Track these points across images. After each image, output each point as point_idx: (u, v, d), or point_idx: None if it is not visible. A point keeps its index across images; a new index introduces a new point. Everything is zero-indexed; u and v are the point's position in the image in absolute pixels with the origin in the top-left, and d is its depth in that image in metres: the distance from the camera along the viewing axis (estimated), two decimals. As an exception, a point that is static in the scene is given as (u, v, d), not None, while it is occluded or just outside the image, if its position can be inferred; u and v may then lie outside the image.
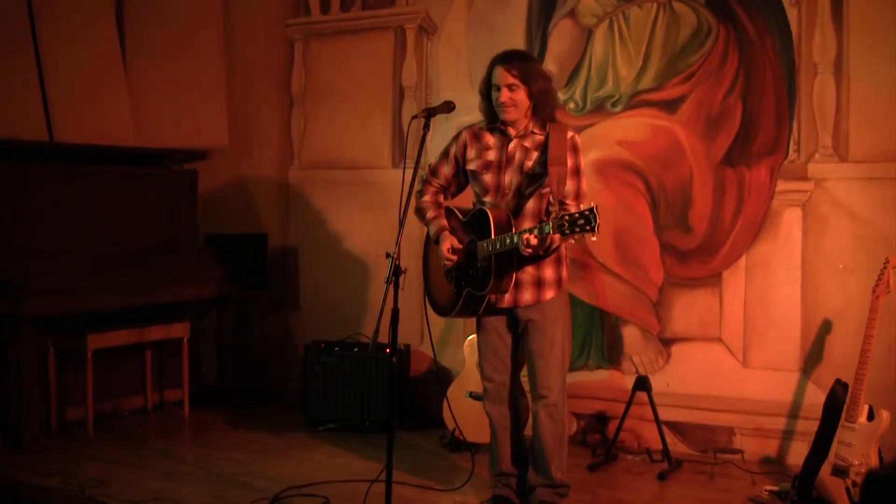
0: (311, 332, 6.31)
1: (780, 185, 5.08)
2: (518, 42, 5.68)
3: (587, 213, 3.57)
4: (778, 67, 5.07)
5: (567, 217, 3.62)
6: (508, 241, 3.87)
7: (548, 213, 4.04)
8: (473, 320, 5.35)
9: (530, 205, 4.07)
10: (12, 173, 5.50)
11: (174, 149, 6.45)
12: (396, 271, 3.80)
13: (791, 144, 5.05)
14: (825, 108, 4.97)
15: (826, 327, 4.97)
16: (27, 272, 5.26)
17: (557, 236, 3.70)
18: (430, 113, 4.03)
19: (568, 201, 4.04)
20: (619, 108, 5.44)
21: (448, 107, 4.12)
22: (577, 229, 3.58)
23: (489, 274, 3.97)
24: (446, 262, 4.16)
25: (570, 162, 4.02)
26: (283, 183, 6.64)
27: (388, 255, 3.84)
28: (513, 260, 3.99)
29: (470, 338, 5.32)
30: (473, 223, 4.12)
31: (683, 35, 5.28)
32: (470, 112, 5.79)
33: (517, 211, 4.07)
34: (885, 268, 4.31)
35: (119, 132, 6.21)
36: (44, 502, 4.45)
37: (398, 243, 3.82)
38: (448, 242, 4.14)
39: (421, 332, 6.04)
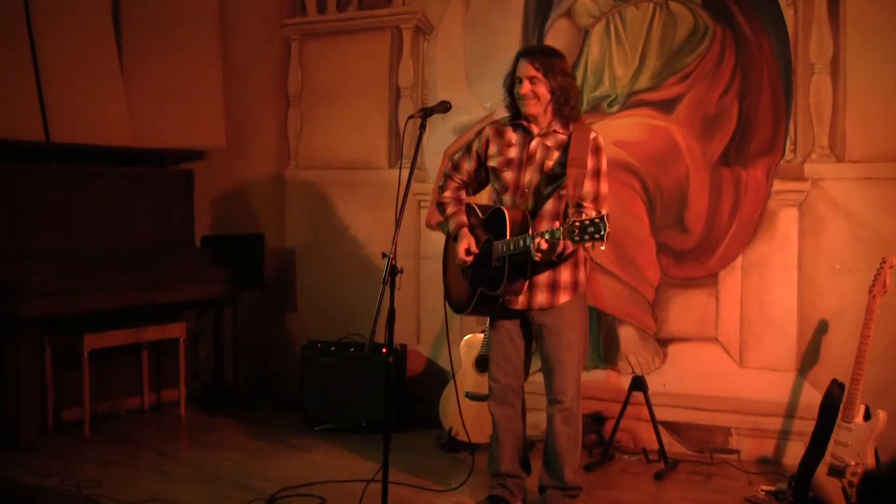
0: (307, 333, 6.31)
1: (777, 185, 5.08)
2: (514, 42, 5.67)
3: (597, 220, 3.52)
4: (775, 67, 5.07)
5: (578, 223, 3.56)
6: (522, 242, 3.84)
7: (566, 215, 3.95)
8: (472, 321, 5.36)
9: (549, 206, 4.03)
10: (8, 174, 5.50)
11: (171, 149, 6.45)
12: (393, 271, 3.80)
13: (788, 144, 5.05)
14: (822, 107, 4.97)
15: (823, 327, 4.97)
16: (23, 273, 5.25)
17: (569, 242, 3.67)
18: (426, 113, 4.02)
19: (586, 203, 3.97)
20: (615, 109, 5.44)
21: (444, 107, 4.11)
22: (587, 237, 3.53)
23: (502, 274, 3.96)
24: (463, 262, 4.15)
25: (590, 163, 3.98)
26: (279, 183, 6.63)
27: (384, 255, 3.83)
28: (527, 262, 3.96)
29: (466, 337, 5.32)
30: (491, 222, 4.10)
31: (680, 35, 5.28)
32: (466, 112, 5.83)
33: (535, 211, 4.04)
34: (881, 268, 4.32)
35: (115, 133, 6.21)
36: (41, 503, 4.44)
37: (395, 243, 3.82)
38: (465, 241, 4.13)
39: (417, 332, 6.04)
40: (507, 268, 3.94)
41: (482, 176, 4.29)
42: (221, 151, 6.73)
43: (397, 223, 3.85)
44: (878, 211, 4.84)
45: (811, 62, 4.99)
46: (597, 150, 4.02)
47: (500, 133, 4.20)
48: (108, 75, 6.28)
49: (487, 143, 4.21)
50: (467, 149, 4.30)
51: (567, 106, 4.06)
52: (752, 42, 5.12)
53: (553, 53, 4.15)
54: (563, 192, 3.98)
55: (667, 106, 5.31)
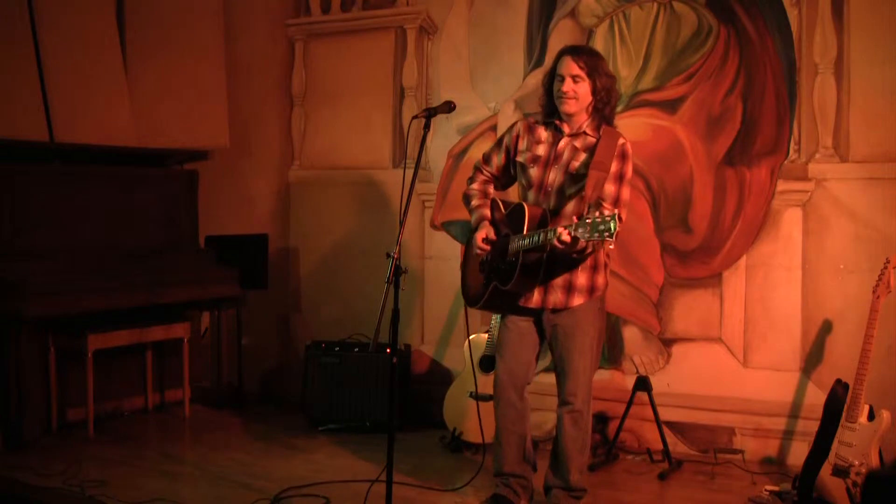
0: (311, 333, 6.31)
1: (781, 186, 5.08)
2: (518, 42, 5.68)
3: (608, 218, 3.52)
4: (778, 67, 5.07)
5: (589, 220, 3.56)
6: (540, 237, 3.82)
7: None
8: (475, 320, 5.33)
9: (570, 206, 4.02)
10: (12, 173, 5.50)
11: (174, 149, 6.45)
12: (397, 271, 3.80)
13: (791, 144, 5.05)
14: (826, 108, 4.97)
15: (826, 327, 4.97)
16: (27, 273, 5.26)
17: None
18: (430, 113, 4.02)
19: (605, 204, 3.98)
20: (619, 109, 5.39)
21: (448, 107, 4.11)
22: (597, 234, 3.53)
23: (515, 269, 3.96)
24: (478, 252, 4.16)
25: (614, 167, 3.98)
26: (283, 183, 6.64)
27: (388, 256, 3.84)
28: (541, 260, 3.95)
29: (471, 337, 5.32)
30: (511, 217, 4.09)
31: (684, 35, 5.28)
32: (470, 112, 5.84)
33: (556, 211, 4.04)
34: (885, 268, 4.31)
35: (119, 132, 6.21)
36: (44, 502, 4.45)
37: (399, 243, 3.82)
38: (483, 231, 4.13)
39: (421, 332, 6.04)
40: (520, 263, 3.93)
41: (511, 171, 4.28)
42: (225, 151, 6.72)
43: (401, 223, 3.86)
44: (881, 211, 4.84)
45: (815, 62, 4.99)
46: (623, 156, 4.02)
47: (531, 129, 4.20)
48: (111, 75, 6.29)
49: (518, 137, 4.21)
50: (498, 142, 4.32)
51: (608, 107, 4.07)
52: (756, 42, 5.12)
53: (597, 54, 4.17)
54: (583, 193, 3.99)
55: (671, 106, 5.31)
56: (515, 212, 4.06)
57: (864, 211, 4.89)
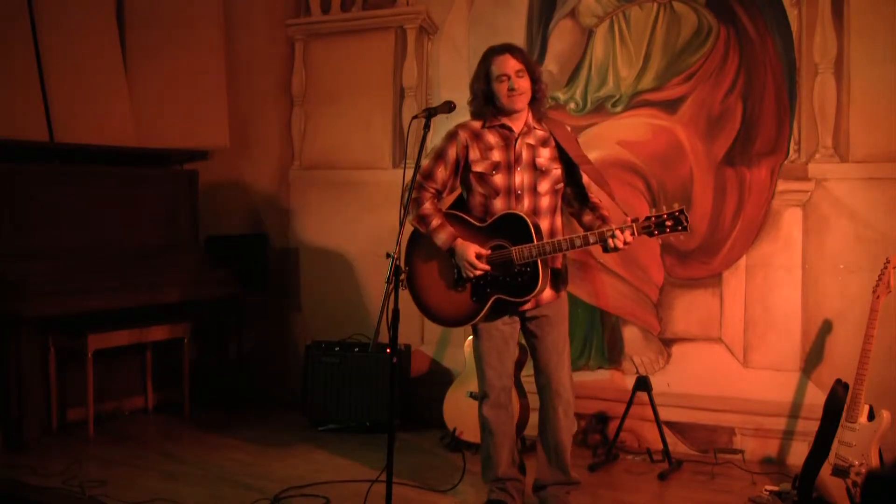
0: (311, 333, 6.32)
1: (781, 186, 5.08)
2: (518, 42, 5.64)
3: (677, 214, 3.75)
4: (778, 67, 5.07)
5: (654, 219, 3.77)
6: (575, 241, 3.87)
7: (571, 206, 4.18)
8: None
9: (546, 203, 4.05)
10: (13, 173, 5.50)
11: (174, 149, 6.45)
12: (397, 271, 3.79)
13: (791, 144, 5.05)
14: (825, 108, 4.97)
15: (827, 327, 4.97)
16: (27, 273, 5.26)
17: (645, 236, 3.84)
18: (430, 113, 3.99)
19: (589, 193, 4.15)
20: (619, 109, 5.43)
21: (448, 107, 4.07)
22: (667, 230, 3.76)
23: (535, 279, 3.92)
24: (474, 272, 4.00)
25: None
26: (283, 183, 6.64)
27: (388, 255, 3.83)
28: (548, 261, 3.99)
29: (470, 338, 5.31)
30: (502, 227, 4.00)
31: (684, 35, 5.28)
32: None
33: (534, 210, 4.04)
34: (885, 268, 4.31)
35: (119, 132, 6.22)
36: (44, 502, 4.45)
37: (399, 243, 3.82)
38: (472, 250, 3.99)
39: (421, 332, 6.04)
40: (542, 270, 3.93)
41: (455, 182, 4.20)
42: (225, 151, 6.73)
43: (401, 223, 3.85)
44: (881, 211, 4.84)
45: (815, 62, 4.99)
46: (577, 142, 4.16)
47: (477, 136, 4.12)
48: (111, 75, 6.29)
49: (466, 147, 4.11)
50: (440, 155, 4.16)
51: (544, 98, 4.14)
52: (756, 42, 5.12)
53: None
54: (558, 187, 4.09)
55: (671, 106, 5.31)
56: (510, 221, 4.00)
57: (864, 211, 4.89)
